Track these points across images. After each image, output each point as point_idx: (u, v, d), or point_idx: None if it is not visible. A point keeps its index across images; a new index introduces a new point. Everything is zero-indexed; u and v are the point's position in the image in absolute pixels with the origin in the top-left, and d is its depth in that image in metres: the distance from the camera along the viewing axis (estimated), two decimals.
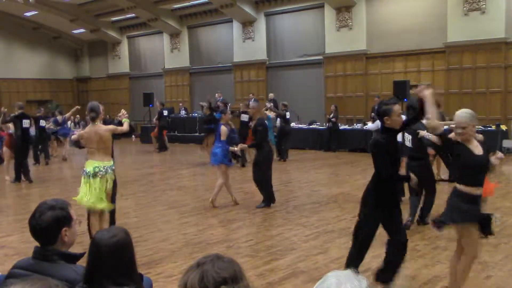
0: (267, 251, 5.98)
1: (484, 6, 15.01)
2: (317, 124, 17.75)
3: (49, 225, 2.46)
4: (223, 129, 8.30)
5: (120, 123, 6.66)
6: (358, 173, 12.02)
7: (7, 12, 24.87)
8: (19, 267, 2.49)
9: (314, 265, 5.46)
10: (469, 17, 15.30)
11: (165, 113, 18.84)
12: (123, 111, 6.79)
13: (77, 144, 6.40)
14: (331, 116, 16.41)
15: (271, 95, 19.01)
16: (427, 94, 4.32)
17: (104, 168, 6.04)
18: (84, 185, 6.01)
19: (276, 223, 7.32)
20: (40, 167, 14.63)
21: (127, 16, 24.10)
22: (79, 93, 29.37)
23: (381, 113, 4.37)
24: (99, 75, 28.12)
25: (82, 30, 26.23)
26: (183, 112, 21.29)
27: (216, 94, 18.93)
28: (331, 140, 16.40)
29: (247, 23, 20.74)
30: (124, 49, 26.65)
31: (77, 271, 2.42)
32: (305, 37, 19.32)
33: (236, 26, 21.17)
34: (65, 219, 2.52)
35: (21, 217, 7.63)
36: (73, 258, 2.52)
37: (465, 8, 15.34)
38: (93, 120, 6.14)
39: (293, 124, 18.00)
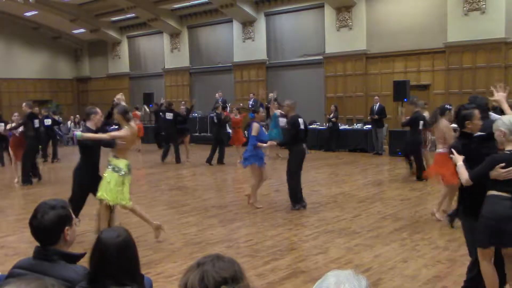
0: (267, 251, 5.98)
1: (484, 6, 15.01)
2: (317, 124, 17.75)
3: (52, 224, 2.47)
4: (255, 125, 8.17)
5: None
6: (358, 173, 12.03)
7: (7, 12, 24.87)
8: (19, 267, 2.49)
9: (314, 265, 5.46)
10: (469, 17, 15.29)
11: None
12: (121, 94, 7.26)
13: (110, 144, 6.42)
14: (331, 116, 16.42)
15: (271, 95, 19.02)
16: (501, 96, 4.38)
17: (129, 165, 6.42)
18: (120, 183, 6.24)
19: (276, 223, 7.32)
20: (42, 167, 14.62)
21: (127, 16, 24.09)
22: (79, 93, 29.37)
23: (462, 118, 4.26)
24: (99, 75, 28.12)
25: (82, 30, 26.22)
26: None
27: (217, 94, 18.96)
28: (331, 140, 16.41)
29: (247, 23, 20.74)
30: (124, 49, 26.65)
31: (77, 271, 2.43)
32: (305, 37, 19.32)
33: (236, 26, 21.17)
34: (67, 218, 2.54)
35: (21, 217, 7.63)
36: (74, 258, 2.52)
37: (465, 8, 15.34)
38: (129, 121, 6.41)
39: None
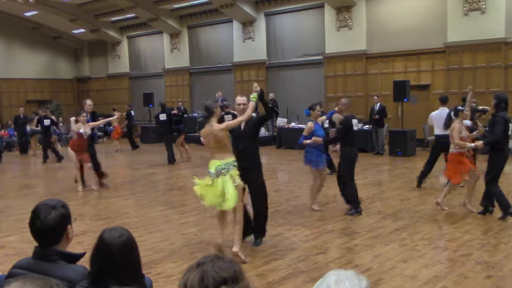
0: (267, 251, 5.98)
1: (484, 6, 15.01)
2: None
3: (56, 224, 2.48)
4: (309, 124, 7.91)
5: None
6: (358, 173, 11.96)
7: (7, 12, 24.86)
8: (19, 267, 2.49)
9: (314, 265, 5.46)
10: (469, 17, 15.30)
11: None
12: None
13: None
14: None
15: (271, 95, 19.03)
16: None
17: (225, 165, 5.69)
18: (209, 186, 5.77)
19: (276, 223, 7.32)
20: (42, 166, 14.64)
21: (127, 16, 24.09)
22: (79, 93, 29.35)
23: None
24: (99, 75, 28.12)
25: (82, 30, 26.23)
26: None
27: (217, 94, 18.96)
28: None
29: (247, 23, 20.75)
30: (124, 49, 26.65)
31: (77, 271, 2.43)
32: (305, 37, 19.33)
33: (236, 26, 21.18)
34: (68, 217, 2.56)
35: (21, 217, 7.62)
36: (74, 258, 2.52)
37: (465, 8, 15.34)
38: (207, 119, 5.82)
39: (293, 124, 18.04)
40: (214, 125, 5.73)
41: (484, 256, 5.59)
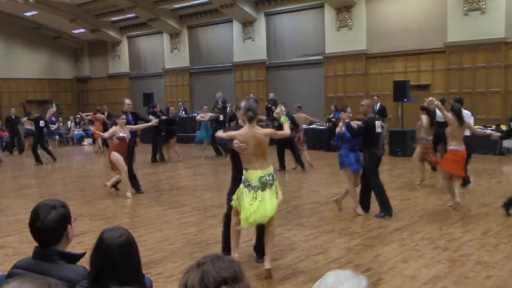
0: None
1: (484, 6, 15.02)
2: (317, 124, 17.75)
3: (56, 224, 2.49)
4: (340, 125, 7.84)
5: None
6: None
7: (7, 12, 24.87)
8: (19, 267, 2.49)
9: (314, 265, 5.46)
10: (469, 17, 15.30)
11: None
12: (281, 107, 6.08)
13: (225, 146, 5.62)
14: (331, 116, 16.41)
15: (271, 95, 19.03)
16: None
17: (269, 176, 5.17)
18: (251, 200, 5.06)
19: (276, 223, 7.31)
20: (41, 167, 14.63)
21: (127, 16, 24.09)
22: (79, 93, 29.37)
23: None
24: (99, 75, 28.12)
25: (82, 30, 26.23)
26: (182, 112, 21.29)
27: (217, 94, 18.96)
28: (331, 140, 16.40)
29: (247, 23, 20.74)
30: (124, 49, 26.65)
31: (77, 271, 2.43)
32: (305, 37, 19.32)
33: (236, 26, 21.18)
34: (68, 217, 2.57)
35: (21, 217, 7.62)
36: (73, 258, 2.52)
37: (465, 8, 15.34)
38: (251, 121, 5.21)
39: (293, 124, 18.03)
40: (258, 129, 5.26)
41: (484, 256, 5.59)
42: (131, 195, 9.57)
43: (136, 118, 10.61)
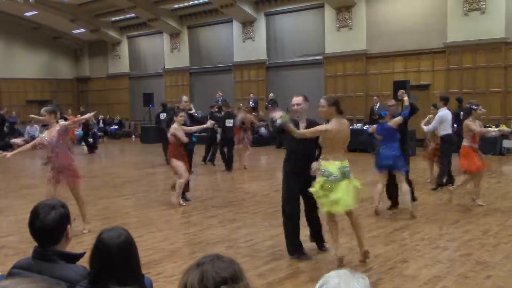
0: (267, 251, 5.98)
1: (484, 6, 15.02)
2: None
3: (56, 224, 2.49)
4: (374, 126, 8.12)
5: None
6: (358, 173, 11.98)
7: (7, 12, 24.86)
8: (19, 267, 2.49)
9: (314, 265, 5.46)
10: (469, 17, 15.30)
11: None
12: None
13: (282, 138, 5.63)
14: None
15: (271, 95, 19.04)
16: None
17: (347, 166, 5.29)
18: (329, 189, 5.16)
19: (276, 223, 7.30)
20: (42, 167, 14.63)
21: (127, 16, 24.10)
22: (79, 93, 29.37)
23: None
24: (99, 75, 28.12)
25: (82, 30, 26.23)
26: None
27: (217, 94, 18.96)
28: None
29: (247, 23, 20.75)
30: (124, 49, 26.66)
31: (77, 271, 2.43)
32: (305, 37, 19.32)
33: (236, 26, 21.18)
34: (68, 217, 2.57)
35: (21, 217, 7.61)
36: (73, 258, 2.52)
37: (465, 8, 15.34)
38: (341, 113, 5.35)
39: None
40: (345, 122, 5.51)
41: (484, 256, 5.58)
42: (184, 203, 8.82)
43: (193, 119, 9.80)
